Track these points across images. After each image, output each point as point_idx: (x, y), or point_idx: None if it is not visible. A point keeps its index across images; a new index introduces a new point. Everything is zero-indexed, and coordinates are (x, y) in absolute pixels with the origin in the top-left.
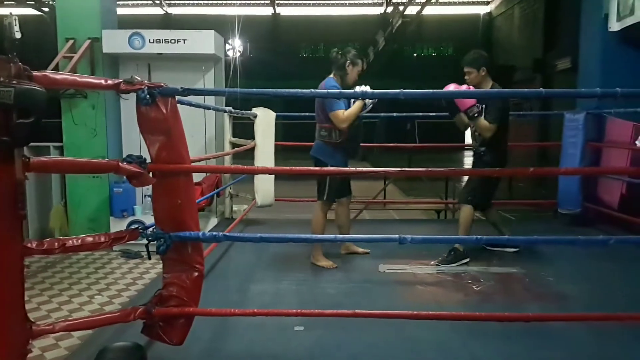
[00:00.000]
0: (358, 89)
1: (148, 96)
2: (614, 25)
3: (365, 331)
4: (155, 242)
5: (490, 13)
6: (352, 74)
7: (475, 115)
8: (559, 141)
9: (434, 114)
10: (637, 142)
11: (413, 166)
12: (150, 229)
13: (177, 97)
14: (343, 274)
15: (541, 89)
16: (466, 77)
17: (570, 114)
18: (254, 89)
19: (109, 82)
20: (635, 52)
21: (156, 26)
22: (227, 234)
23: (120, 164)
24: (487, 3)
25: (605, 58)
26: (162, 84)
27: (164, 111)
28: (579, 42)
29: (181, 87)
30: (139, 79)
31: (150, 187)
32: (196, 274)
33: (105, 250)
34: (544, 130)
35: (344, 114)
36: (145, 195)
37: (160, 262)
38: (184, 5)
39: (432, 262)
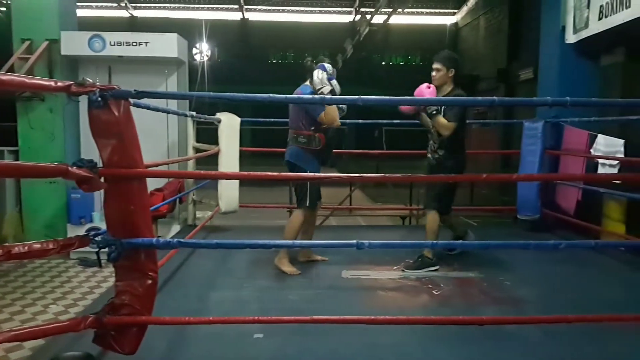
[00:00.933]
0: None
1: (100, 99)
2: (571, 38)
3: (326, 337)
4: (106, 249)
5: (456, 23)
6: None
7: (434, 112)
8: (520, 149)
9: (398, 121)
10: (592, 150)
11: (381, 173)
12: (101, 236)
13: (132, 100)
14: (306, 280)
15: (494, 97)
16: (434, 73)
17: (529, 122)
18: (212, 93)
19: (59, 84)
20: (590, 63)
21: (122, 29)
22: (182, 240)
23: (69, 168)
24: (454, 14)
25: (562, 69)
26: (115, 86)
27: (116, 114)
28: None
29: (134, 90)
30: (90, 81)
31: None
32: (149, 281)
33: (62, 258)
34: (507, 138)
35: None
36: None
37: None
38: (150, 8)
39: (395, 268)
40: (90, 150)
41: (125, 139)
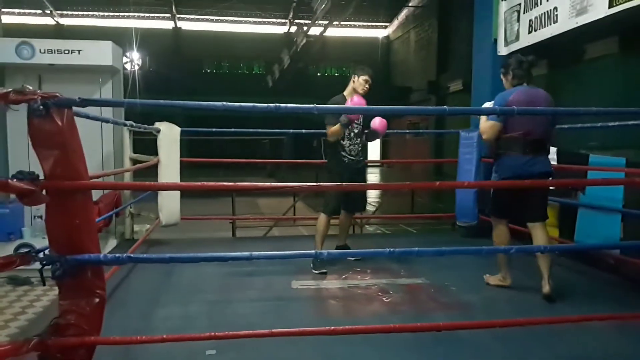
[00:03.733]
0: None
1: (42, 107)
2: (502, 50)
3: (280, 350)
4: (49, 266)
5: (388, 37)
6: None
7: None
8: (452, 157)
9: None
10: None
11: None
12: (44, 252)
13: (73, 109)
14: (255, 292)
15: (445, 106)
16: (367, 87)
17: (465, 132)
18: (158, 101)
19: None
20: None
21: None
22: (132, 255)
23: (9, 181)
24: (385, 27)
25: (495, 80)
26: (57, 94)
27: (59, 123)
28: (469, 65)
29: (79, 98)
30: (30, 88)
31: (41, 207)
32: (97, 300)
33: None
34: (438, 147)
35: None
36: (34, 216)
37: (54, 288)
38: (77, 16)
39: (344, 276)
40: (19, 161)
41: (69, 150)
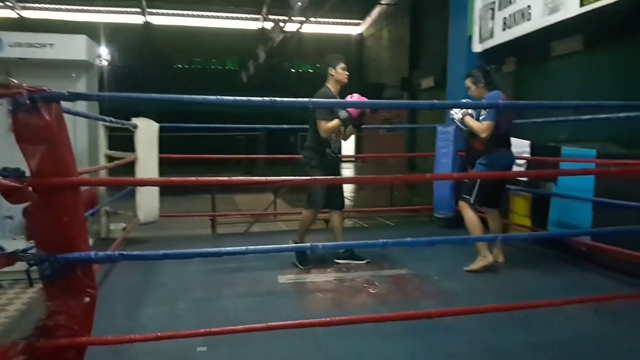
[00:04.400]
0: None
1: (28, 102)
2: (477, 47)
3: (272, 344)
4: (37, 266)
5: (361, 34)
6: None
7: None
8: (425, 151)
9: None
10: None
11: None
12: (31, 252)
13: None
14: (242, 288)
15: (435, 100)
16: (346, 74)
17: (442, 126)
18: (151, 95)
19: None
20: (495, 70)
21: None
22: (124, 252)
23: None
24: (358, 24)
25: None
26: (45, 88)
27: (48, 118)
28: (441, 62)
29: (67, 92)
30: (15, 81)
31: (11, 207)
32: (87, 299)
33: None
34: (412, 141)
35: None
36: (4, 217)
37: (27, 290)
38: (41, 9)
39: (329, 270)
40: None
41: (58, 145)
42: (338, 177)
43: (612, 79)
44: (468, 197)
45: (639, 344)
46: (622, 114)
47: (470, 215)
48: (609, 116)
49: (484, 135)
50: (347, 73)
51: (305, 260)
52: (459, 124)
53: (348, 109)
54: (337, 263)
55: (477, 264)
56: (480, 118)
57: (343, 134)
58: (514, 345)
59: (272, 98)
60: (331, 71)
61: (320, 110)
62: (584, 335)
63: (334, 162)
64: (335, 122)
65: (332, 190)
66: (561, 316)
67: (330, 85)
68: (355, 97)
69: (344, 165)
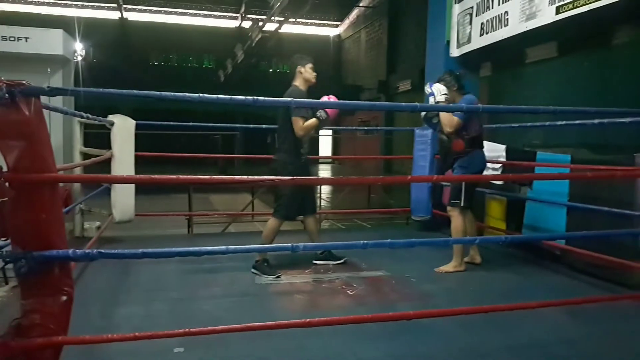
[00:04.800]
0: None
1: (7, 95)
2: (455, 52)
3: (250, 345)
4: (13, 264)
5: (339, 35)
6: (308, 73)
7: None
8: (401, 154)
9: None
10: None
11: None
12: (6, 249)
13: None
14: (219, 289)
15: (416, 103)
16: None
17: (420, 129)
18: (132, 91)
19: None
20: (473, 75)
21: None
22: (103, 251)
23: None
24: (337, 26)
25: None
26: (24, 82)
27: (27, 113)
28: (418, 66)
29: (47, 86)
30: None
31: None
32: (64, 297)
33: None
34: (388, 144)
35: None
36: None
37: (1, 288)
38: (14, 1)
39: (307, 271)
40: None
41: (37, 141)
42: (314, 177)
43: (585, 85)
44: (458, 201)
45: (611, 346)
46: (596, 121)
47: (459, 222)
48: (583, 122)
49: (448, 129)
50: (315, 73)
51: (272, 271)
52: (431, 100)
53: (327, 110)
54: (316, 264)
55: (449, 267)
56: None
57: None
58: (490, 347)
59: (255, 97)
60: (300, 69)
61: (299, 108)
62: (557, 338)
63: (305, 163)
64: (313, 121)
65: (304, 197)
66: (536, 318)
67: (299, 84)
68: (332, 99)
69: (320, 167)
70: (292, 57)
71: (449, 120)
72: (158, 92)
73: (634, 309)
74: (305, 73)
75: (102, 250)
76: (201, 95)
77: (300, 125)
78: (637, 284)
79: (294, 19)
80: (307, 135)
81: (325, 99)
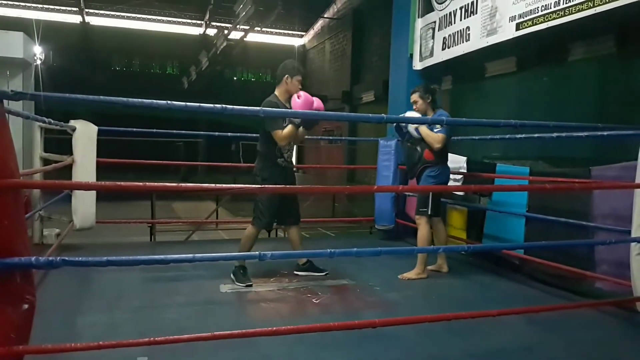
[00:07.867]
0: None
1: None
2: (417, 65)
3: (215, 354)
4: None
5: (304, 45)
6: (292, 86)
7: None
8: (365, 164)
9: (256, 135)
10: None
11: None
12: None
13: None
14: (183, 297)
15: (382, 114)
16: (300, 87)
17: (384, 140)
18: (99, 97)
19: None
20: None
21: None
22: (67, 258)
23: None
24: (301, 36)
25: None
26: None
27: None
28: (381, 77)
29: (12, 90)
30: None
31: None
32: (26, 306)
33: None
34: (352, 154)
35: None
36: None
37: None
38: None
39: (273, 279)
40: None
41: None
42: (281, 186)
43: (541, 99)
44: (425, 209)
45: (569, 352)
46: (554, 134)
47: (425, 231)
48: (542, 135)
49: (437, 146)
50: (300, 87)
51: (246, 278)
52: (412, 130)
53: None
54: (297, 275)
55: (412, 273)
56: (435, 131)
57: (296, 138)
58: (452, 355)
59: (224, 105)
60: (287, 80)
61: (271, 122)
62: (518, 345)
63: (286, 173)
64: (289, 128)
65: (286, 205)
66: (497, 326)
67: (279, 93)
68: (302, 95)
69: None
70: (284, 62)
71: (433, 139)
72: (124, 99)
73: (590, 316)
74: (290, 85)
75: (66, 258)
76: (169, 102)
77: (279, 136)
78: (592, 292)
79: (259, 28)
80: (288, 143)
81: (295, 97)
